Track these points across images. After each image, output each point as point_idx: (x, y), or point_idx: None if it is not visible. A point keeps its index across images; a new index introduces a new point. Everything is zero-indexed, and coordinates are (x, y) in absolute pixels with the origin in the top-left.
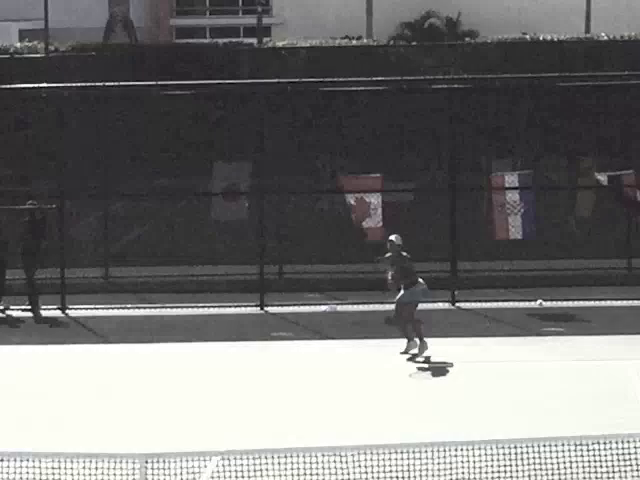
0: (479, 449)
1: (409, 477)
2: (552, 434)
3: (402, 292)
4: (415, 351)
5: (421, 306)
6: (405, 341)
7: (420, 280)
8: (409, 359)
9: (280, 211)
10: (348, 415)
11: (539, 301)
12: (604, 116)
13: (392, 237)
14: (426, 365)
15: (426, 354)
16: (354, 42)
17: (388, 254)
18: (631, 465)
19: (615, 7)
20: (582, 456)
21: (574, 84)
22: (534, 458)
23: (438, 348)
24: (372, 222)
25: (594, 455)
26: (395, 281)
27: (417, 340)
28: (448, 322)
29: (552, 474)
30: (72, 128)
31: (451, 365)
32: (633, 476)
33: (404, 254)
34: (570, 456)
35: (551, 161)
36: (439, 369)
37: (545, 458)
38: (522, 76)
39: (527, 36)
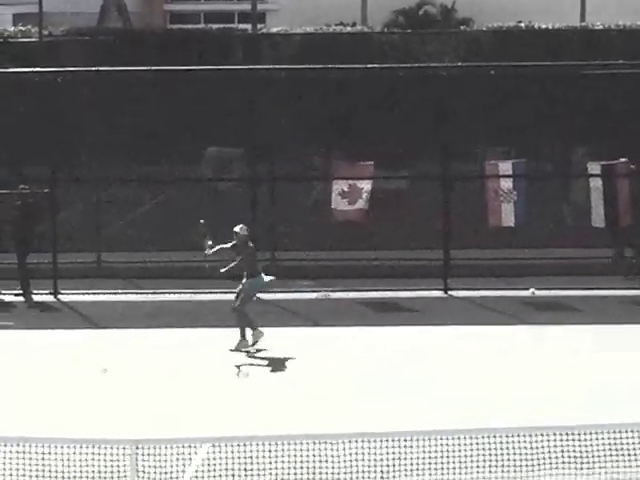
0: (471, 438)
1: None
2: (545, 424)
3: (248, 281)
4: (251, 342)
5: (415, 294)
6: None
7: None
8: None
9: (272, 198)
10: (340, 402)
11: (532, 289)
12: (599, 104)
13: (237, 228)
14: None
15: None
16: (349, 29)
17: (233, 242)
18: (617, 454)
19: None
20: (572, 446)
21: (568, 72)
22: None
23: (431, 336)
24: (359, 205)
25: (584, 445)
26: (240, 270)
27: (251, 330)
28: (441, 310)
29: (541, 463)
30: (65, 112)
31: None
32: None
33: (250, 244)
34: (558, 445)
35: (546, 149)
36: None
37: (537, 447)
38: (517, 64)
39: (522, 24)
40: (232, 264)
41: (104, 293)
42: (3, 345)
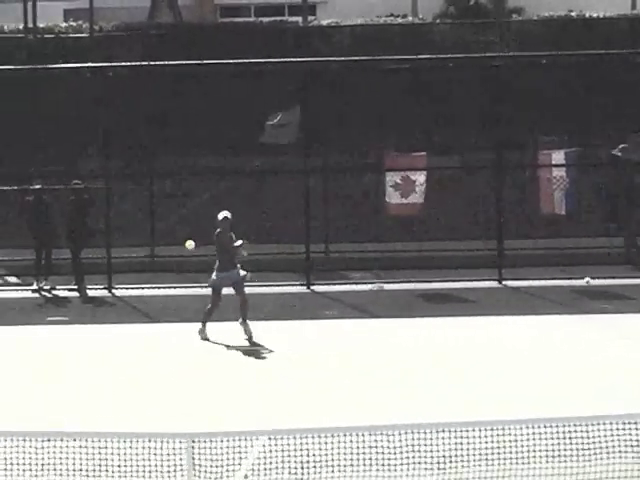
0: (531, 427)
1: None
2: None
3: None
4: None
5: (469, 284)
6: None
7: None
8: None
9: (325, 190)
10: (399, 393)
11: (586, 279)
12: None
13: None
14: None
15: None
16: (399, 20)
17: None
18: None
19: None
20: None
21: (619, 60)
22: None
23: (487, 326)
24: (414, 198)
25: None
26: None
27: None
28: (495, 300)
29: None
30: (117, 107)
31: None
32: None
33: (231, 235)
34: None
35: (599, 138)
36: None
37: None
38: (569, 53)
39: (573, 13)
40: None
41: (158, 287)
42: (59, 339)
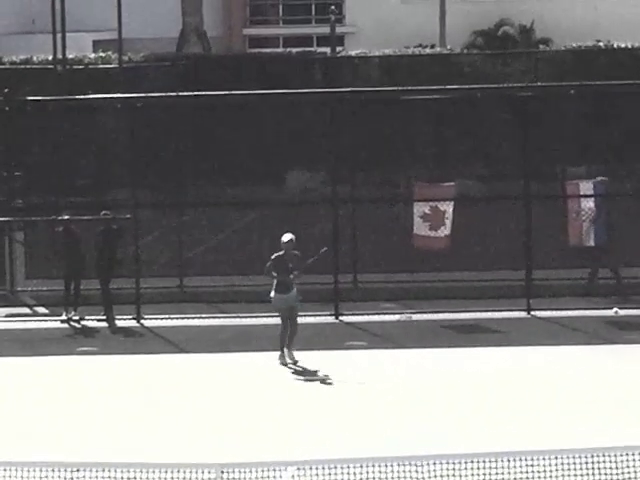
0: (564, 458)
1: None
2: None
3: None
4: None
5: (497, 315)
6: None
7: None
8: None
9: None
10: (423, 424)
11: (615, 309)
12: None
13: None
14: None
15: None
16: (427, 50)
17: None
18: None
19: None
20: None
21: None
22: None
23: (516, 357)
24: (441, 232)
25: None
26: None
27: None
28: (524, 330)
29: None
30: (146, 138)
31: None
32: None
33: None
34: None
35: (626, 168)
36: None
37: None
38: (597, 83)
39: (601, 43)
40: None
41: (187, 318)
42: (88, 370)
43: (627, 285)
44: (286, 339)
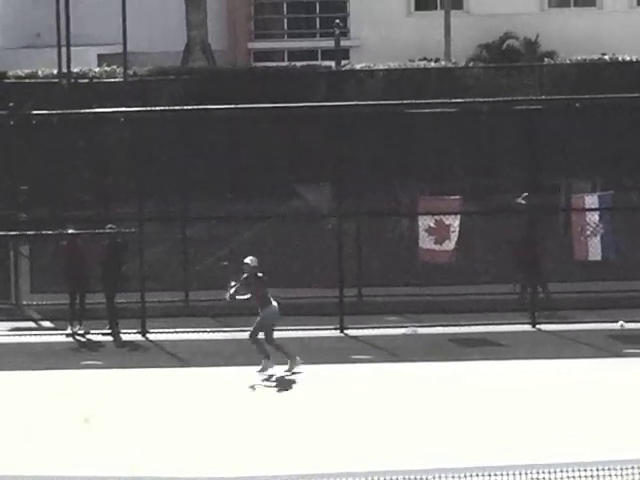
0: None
1: None
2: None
3: (262, 312)
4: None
5: (502, 328)
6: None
7: (273, 302)
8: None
9: (359, 234)
10: (428, 437)
11: (620, 322)
12: None
13: (247, 259)
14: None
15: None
16: (432, 64)
17: (244, 275)
18: None
19: None
20: None
21: None
22: None
23: (521, 370)
24: (446, 245)
25: None
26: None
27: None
28: (529, 344)
29: None
30: (150, 151)
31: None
32: None
33: (259, 275)
34: None
35: (631, 181)
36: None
37: None
38: (602, 96)
39: (606, 57)
40: (235, 287)
41: (192, 332)
42: (93, 384)
43: (632, 297)
44: (272, 345)
